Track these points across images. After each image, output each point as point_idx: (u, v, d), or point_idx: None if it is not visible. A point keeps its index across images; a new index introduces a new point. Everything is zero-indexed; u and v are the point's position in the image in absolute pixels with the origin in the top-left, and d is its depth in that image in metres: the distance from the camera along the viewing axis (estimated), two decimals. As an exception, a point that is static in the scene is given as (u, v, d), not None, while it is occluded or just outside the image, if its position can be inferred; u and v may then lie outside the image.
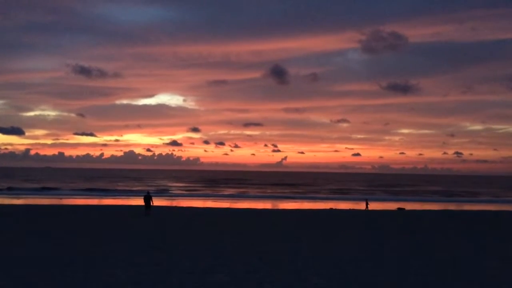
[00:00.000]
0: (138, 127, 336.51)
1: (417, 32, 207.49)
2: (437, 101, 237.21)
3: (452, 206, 46.13)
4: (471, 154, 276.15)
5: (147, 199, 27.02)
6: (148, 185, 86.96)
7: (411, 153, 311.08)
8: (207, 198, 56.93)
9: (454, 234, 19.17)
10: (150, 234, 17.47)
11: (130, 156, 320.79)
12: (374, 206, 40.16)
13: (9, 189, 64.43)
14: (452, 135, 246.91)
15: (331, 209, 36.33)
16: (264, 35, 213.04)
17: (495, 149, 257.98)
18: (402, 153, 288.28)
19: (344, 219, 26.18)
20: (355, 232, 19.39)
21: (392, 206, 43.42)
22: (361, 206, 39.91)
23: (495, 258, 12.97)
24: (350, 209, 36.83)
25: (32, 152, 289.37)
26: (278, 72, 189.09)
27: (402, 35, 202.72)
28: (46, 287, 8.82)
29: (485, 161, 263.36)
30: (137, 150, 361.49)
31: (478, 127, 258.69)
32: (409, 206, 42.58)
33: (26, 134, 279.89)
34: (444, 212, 34.81)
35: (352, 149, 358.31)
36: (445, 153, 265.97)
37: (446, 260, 12.50)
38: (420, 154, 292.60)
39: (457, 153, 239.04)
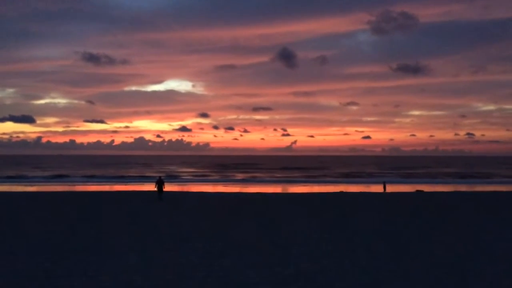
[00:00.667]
0: (148, 114, 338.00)
1: (428, 12, 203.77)
2: (448, 82, 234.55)
3: (464, 188, 45.87)
4: (483, 135, 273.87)
5: (160, 184, 27.45)
6: (159, 171, 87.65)
7: (422, 135, 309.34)
8: (219, 183, 57.31)
9: (483, 214, 19.16)
10: (165, 221, 17.74)
11: (140, 142, 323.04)
12: (390, 188, 39.93)
13: (22, 177, 65.45)
14: (464, 116, 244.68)
15: (341, 191, 36.36)
16: (272, 18, 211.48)
17: (507, 129, 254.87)
18: (413, 135, 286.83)
19: (367, 201, 26.23)
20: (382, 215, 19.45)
21: (407, 188, 43.13)
22: (376, 189, 39.92)
23: None
24: (369, 192, 36.58)
25: (44, 140, 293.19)
26: (286, 56, 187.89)
27: (412, 15, 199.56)
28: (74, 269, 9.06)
29: (497, 142, 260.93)
30: (147, 137, 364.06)
31: (490, 107, 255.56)
32: (425, 188, 42.13)
33: (37, 122, 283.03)
34: (463, 193, 34.59)
35: (362, 131, 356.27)
36: (456, 134, 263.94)
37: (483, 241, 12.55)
38: (431, 136, 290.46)
39: (468, 134, 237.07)
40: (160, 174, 33.85)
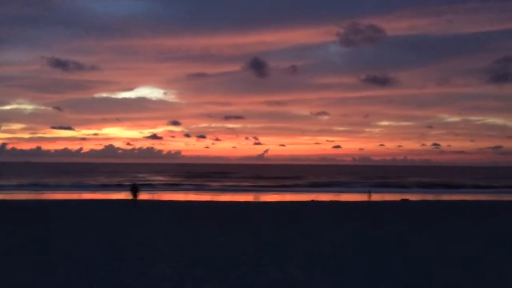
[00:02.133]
0: (117, 121, 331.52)
1: (394, 25, 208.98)
2: (414, 94, 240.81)
3: (446, 197, 46.69)
4: (449, 146, 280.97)
5: (134, 190, 27.30)
6: (131, 179, 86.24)
7: (391, 145, 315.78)
8: (190, 191, 56.84)
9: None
10: (139, 228, 17.47)
11: (110, 150, 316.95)
12: (374, 197, 39.97)
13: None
14: (430, 127, 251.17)
15: (312, 200, 36.65)
16: (244, 28, 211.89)
17: (472, 140, 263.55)
18: (382, 145, 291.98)
19: (358, 210, 26.54)
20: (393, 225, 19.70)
21: (392, 197, 43.25)
22: (356, 198, 40.44)
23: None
24: (356, 201, 36.73)
25: (9, 147, 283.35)
26: (257, 65, 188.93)
27: (379, 28, 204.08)
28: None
29: (462, 152, 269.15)
30: (117, 144, 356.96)
31: (455, 119, 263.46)
32: (409, 197, 42.24)
33: (2, 128, 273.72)
34: (446, 202, 35.07)
35: (333, 141, 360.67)
36: (423, 144, 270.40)
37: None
38: (400, 146, 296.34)
39: (435, 144, 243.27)
40: (131, 182, 33.63)
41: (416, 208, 28.46)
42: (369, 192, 40.84)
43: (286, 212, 24.97)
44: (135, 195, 27.15)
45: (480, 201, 36.04)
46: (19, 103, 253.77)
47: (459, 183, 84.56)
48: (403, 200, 38.10)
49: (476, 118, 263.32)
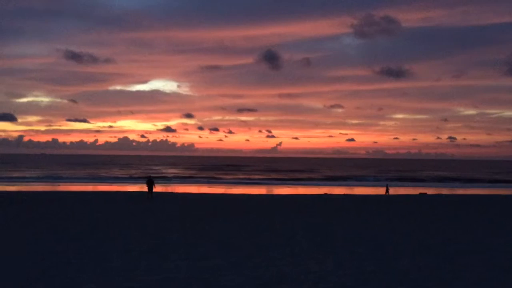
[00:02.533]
0: (131, 114, 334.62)
1: (409, 17, 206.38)
2: (430, 86, 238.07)
3: (461, 191, 46.18)
4: (465, 139, 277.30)
5: (150, 183, 27.89)
6: (145, 171, 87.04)
7: (405, 138, 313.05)
8: (204, 184, 57.15)
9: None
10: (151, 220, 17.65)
11: (125, 142, 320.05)
12: (392, 191, 39.47)
13: (10, 177, 64.32)
14: (446, 120, 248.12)
15: (325, 193, 36.58)
16: (258, 20, 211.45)
17: (488, 134, 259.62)
18: (396, 138, 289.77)
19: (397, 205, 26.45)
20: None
21: (410, 191, 43.06)
22: (373, 191, 40.10)
23: None
24: (372, 195, 36.53)
25: (26, 139, 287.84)
26: (271, 58, 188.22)
27: (394, 19, 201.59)
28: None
29: (478, 146, 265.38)
30: (131, 137, 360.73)
31: (471, 111, 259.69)
32: (427, 191, 41.82)
33: (19, 120, 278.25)
34: (469, 196, 34.65)
35: (346, 134, 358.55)
36: (438, 137, 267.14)
37: None
38: (414, 139, 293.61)
39: (450, 137, 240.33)
40: (146, 175, 34.22)
41: (435, 202, 28.18)
42: (387, 186, 40.52)
43: (299, 205, 24.95)
44: (150, 188, 27.60)
45: (498, 196, 35.53)
46: (35, 96, 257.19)
47: (476, 177, 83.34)
48: (421, 194, 37.68)
49: (492, 111, 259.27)
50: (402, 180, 71.21)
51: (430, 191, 42.56)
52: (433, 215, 20.73)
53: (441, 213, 21.72)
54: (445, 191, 45.15)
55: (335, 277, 8.84)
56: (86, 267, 9.49)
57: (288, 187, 52.32)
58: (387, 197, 32.91)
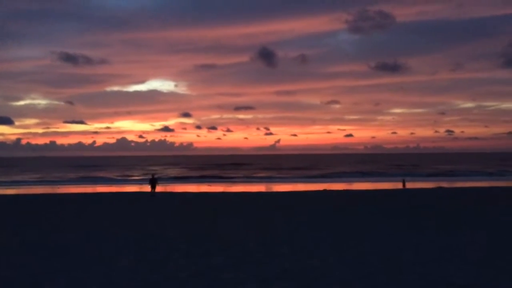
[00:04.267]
0: (129, 114, 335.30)
1: (404, 11, 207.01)
2: (426, 80, 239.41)
3: (478, 183, 45.91)
4: (463, 132, 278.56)
5: (153, 181, 28.14)
6: (144, 172, 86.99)
7: (403, 133, 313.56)
8: (203, 183, 57.15)
9: None
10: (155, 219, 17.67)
11: (123, 143, 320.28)
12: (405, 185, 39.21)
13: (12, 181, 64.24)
14: (443, 114, 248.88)
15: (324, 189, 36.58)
16: (253, 18, 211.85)
17: (486, 126, 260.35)
18: (394, 132, 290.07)
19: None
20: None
21: (426, 185, 42.69)
22: (390, 186, 39.98)
23: None
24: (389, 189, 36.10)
25: (23, 142, 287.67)
26: (266, 55, 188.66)
27: (389, 14, 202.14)
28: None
29: (476, 138, 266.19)
30: (129, 137, 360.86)
31: (468, 104, 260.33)
32: (442, 185, 41.69)
33: (16, 123, 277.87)
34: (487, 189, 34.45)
35: (344, 130, 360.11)
36: (436, 131, 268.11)
37: None
38: (412, 133, 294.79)
39: (448, 131, 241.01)
40: (153, 173, 34.43)
41: (458, 195, 28.15)
42: (403, 180, 40.50)
43: (305, 201, 24.98)
44: (153, 187, 27.81)
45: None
46: (32, 98, 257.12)
47: (481, 169, 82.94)
48: (439, 187, 37.45)
49: (490, 104, 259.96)
50: (410, 174, 70.51)
51: (442, 184, 42.47)
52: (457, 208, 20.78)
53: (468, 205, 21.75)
54: (459, 184, 44.84)
55: (338, 272, 8.87)
56: (88, 267, 9.51)
57: (289, 184, 52.31)
58: (405, 191, 32.70)
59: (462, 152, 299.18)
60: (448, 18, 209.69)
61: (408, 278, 8.36)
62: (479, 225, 15.15)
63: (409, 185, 40.38)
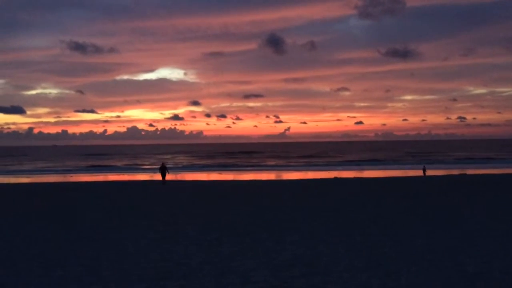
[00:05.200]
0: (138, 103, 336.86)
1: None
2: (438, 66, 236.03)
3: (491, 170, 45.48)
4: (475, 118, 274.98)
5: (163, 169, 28.58)
6: (155, 161, 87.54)
7: (414, 119, 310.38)
8: (214, 171, 57.33)
9: None
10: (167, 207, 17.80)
11: (133, 131, 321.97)
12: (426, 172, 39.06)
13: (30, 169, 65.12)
14: (455, 100, 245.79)
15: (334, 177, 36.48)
16: (261, 4, 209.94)
17: (499, 112, 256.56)
18: (405, 119, 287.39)
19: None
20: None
21: (446, 172, 42.54)
22: (411, 173, 39.81)
23: None
24: (409, 176, 35.85)
25: (36, 131, 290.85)
26: (275, 42, 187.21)
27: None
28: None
29: (488, 125, 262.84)
30: (140, 126, 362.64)
31: (481, 90, 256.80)
32: (464, 171, 41.42)
33: (28, 113, 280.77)
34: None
35: (355, 117, 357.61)
36: (448, 118, 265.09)
37: None
38: (423, 120, 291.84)
39: (460, 117, 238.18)
40: (163, 161, 34.71)
41: (483, 181, 27.85)
42: (424, 168, 40.15)
43: (320, 189, 24.95)
44: (163, 174, 28.16)
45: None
46: (43, 88, 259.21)
47: (497, 156, 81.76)
48: (462, 174, 36.99)
49: (503, 90, 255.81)
50: (426, 161, 69.44)
51: (465, 171, 41.94)
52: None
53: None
54: (482, 170, 44.00)
55: (347, 260, 8.84)
56: (101, 254, 9.60)
57: (302, 172, 52.25)
58: (426, 178, 32.47)
59: (474, 139, 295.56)
60: (459, 3, 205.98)
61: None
62: None
63: (429, 172, 39.86)
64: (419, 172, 40.18)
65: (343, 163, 70.19)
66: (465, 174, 36.69)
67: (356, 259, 8.85)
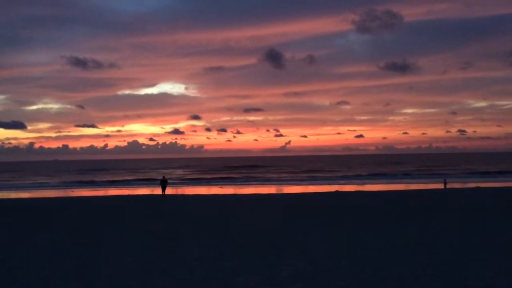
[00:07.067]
0: (139, 117, 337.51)
1: (412, 11, 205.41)
2: (436, 79, 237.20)
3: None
4: (475, 131, 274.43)
5: (163, 183, 28.80)
6: (154, 176, 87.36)
7: (415, 133, 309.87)
8: (214, 185, 57.18)
9: None
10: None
11: (134, 146, 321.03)
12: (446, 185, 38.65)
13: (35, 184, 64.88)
14: (455, 113, 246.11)
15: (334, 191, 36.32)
16: (261, 20, 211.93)
17: (499, 125, 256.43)
18: (406, 133, 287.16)
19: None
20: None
21: (464, 185, 42.10)
22: (432, 186, 39.81)
23: None
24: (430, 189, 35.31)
25: (36, 146, 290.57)
26: (275, 57, 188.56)
27: (396, 13, 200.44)
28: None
29: (489, 138, 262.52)
30: (140, 140, 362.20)
31: (480, 104, 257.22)
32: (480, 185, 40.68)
33: (29, 128, 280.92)
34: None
35: (355, 130, 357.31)
36: (448, 131, 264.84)
37: None
38: (424, 133, 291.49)
39: (460, 131, 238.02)
40: (164, 175, 34.78)
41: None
42: (445, 180, 39.89)
43: (314, 203, 24.86)
44: (164, 188, 28.33)
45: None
46: (44, 103, 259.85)
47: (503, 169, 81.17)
48: (476, 187, 36.63)
49: (502, 103, 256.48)
50: (435, 174, 68.38)
51: (479, 184, 41.36)
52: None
53: None
54: (495, 184, 43.51)
55: (350, 275, 8.78)
56: (101, 269, 9.53)
57: (303, 186, 52.08)
58: (447, 191, 32.33)
59: (475, 152, 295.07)
60: (457, 17, 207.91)
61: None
62: None
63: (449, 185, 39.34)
64: (439, 185, 39.77)
65: (347, 177, 69.81)
66: (479, 187, 36.36)
67: (359, 274, 8.79)
